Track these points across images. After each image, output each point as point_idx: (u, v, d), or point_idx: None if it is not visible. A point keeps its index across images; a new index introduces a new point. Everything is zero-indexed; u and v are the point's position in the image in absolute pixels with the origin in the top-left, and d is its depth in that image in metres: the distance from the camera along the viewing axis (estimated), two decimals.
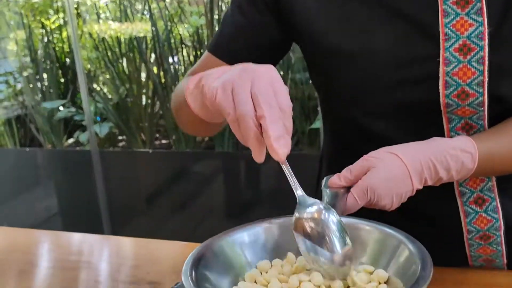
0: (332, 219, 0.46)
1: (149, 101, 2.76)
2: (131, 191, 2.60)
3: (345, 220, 0.50)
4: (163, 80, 2.72)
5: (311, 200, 0.47)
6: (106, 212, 2.56)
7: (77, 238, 1.04)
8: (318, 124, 2.28)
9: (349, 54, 0.66)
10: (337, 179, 0.58)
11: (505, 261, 0.72)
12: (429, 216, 0.72)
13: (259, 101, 0.46)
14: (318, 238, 0.45)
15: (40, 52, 2.96)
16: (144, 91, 2.75)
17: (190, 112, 0.58)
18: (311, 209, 0.46)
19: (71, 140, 2.98)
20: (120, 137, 2.96)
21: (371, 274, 0.46)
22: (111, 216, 2.57)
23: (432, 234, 0.72)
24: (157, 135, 2.90)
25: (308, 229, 0.46)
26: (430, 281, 0.38)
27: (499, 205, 0.68)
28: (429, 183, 0.59)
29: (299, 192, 0.48)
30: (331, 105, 0.76)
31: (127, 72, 2.76)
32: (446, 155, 0.58)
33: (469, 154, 0.59)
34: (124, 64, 2.78)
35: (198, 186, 2.47)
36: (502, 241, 0.70)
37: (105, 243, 1.04)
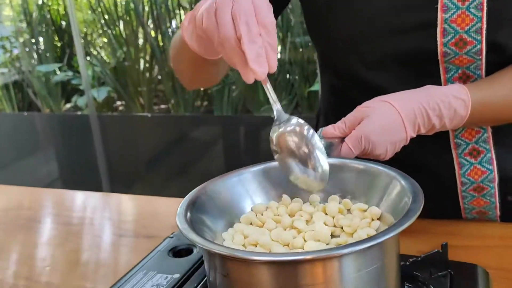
0: (310, 131, 0.46)
1: (147, 65, 2.73)
2: (131, 156, 2.61)
3: (338, 160, 0.50)
4: (161, 44, 2.68)
5: (288, 115, 0.47)
6: (106, 177, 2.57)
7: (78, 196, 1.05)
8: (317, 86, 2.27)
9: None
10: (331, 129, 0.58)
11: (498, 213, 0.72)
12: (424, 168, 0.72)
13: (238, 21, 0.46)
14: (300, 152, 0.46)
15: (35, 15, 2.90)
16: (141, 55, 2.72)
17: (188, 52, 0.58)
18: (292, 122, 0.46)
19: (69, 105, 2.96)
20: (118, 102, 2.94)
21: (365, 212, 0.46)
22: (111, 181, 2.58)
23: (426, 186, 0.72)
24: (156, 100, 2.88)
25: (291, 143, 0.46)
26: (419, 212, 0.37)
27: (494, 157, 0.68)
28: (422, 131, 0.58)
29: (277, 106, 0.47)
30: (329, 58, 0.75)
31: (124, 35, 2.72)
32: (439, 102, 0.57)
33: (462, 101, 0.58)
34: (121, 27, 2.73)
35: (198, 150, 2.47)
36: (496, 193, 0.70)
37: (105, 200, 1.05)
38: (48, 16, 2.91)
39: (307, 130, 0.46)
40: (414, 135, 0.58)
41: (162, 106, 2.87)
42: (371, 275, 0.37)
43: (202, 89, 2.71)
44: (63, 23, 2.97)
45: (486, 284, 0.51)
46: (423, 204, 0.39)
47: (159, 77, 2.78)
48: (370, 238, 0.35)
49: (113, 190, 2.54)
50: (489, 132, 0.67)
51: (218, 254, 0.38)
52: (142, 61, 2.73)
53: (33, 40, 2.92)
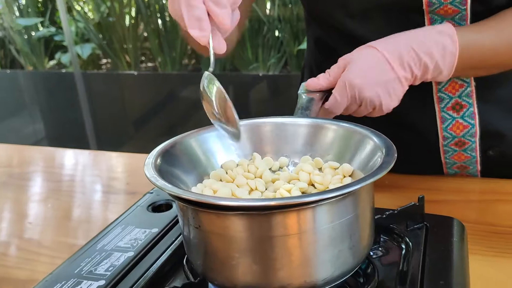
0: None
1: (133, 21, 2.66)
2: (118, 114, 2.58)
3: (310, 120, 0.49)
4: None
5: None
6: (93, 136, 2.55)
7: (67, 154, 1.04)
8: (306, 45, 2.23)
9: None
10: (315, 80, 0.56)
11: (479, 167, 0.73)
12: (406, 123, 0.72)
13: None
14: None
15: None
16: (126, 10, 2.64)
17: None
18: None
19: (53, 62, 2.89)
20: (104, 60, 2.88)
21: (336, 170, 0.45)
22: (98, 140, 2.56)
23: (408, 141, 0.72)
24: (142, 58, 2.82)
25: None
26: (392, 164, 0.37)
27: (476, 111, 0.68)
28: (416, 71, 0.56)
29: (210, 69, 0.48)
30: (314, 9, 0.73)
31: None
32: (425, 40, 0.56)
33: (448, 36, 0.56)
34: None
35: (186, 108, 2.45)
36: (477, 147, 0.70)
37: (93, 158, 1.04)
38: None
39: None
40: (408, 75, 0.56)
41: (149, 64, 2.81)
42: (344, 226, 0.37)
43: (189, 47, 2.66)
44: None
45: (461, 236, 0.51)
46: (396, 157, 0.38)
47: (145, 34, 2.71)
48: (344, 186, 0.34)
49: (101, 149, 2.52)
50: (472, 86, 0.66)
51: (188, 202, 0.37)
52: (127, 17, 2.65)
53: None
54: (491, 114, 0.68)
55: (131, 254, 0.51)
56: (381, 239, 0.51)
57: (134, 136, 2.60)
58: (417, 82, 0.58)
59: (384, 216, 0.50)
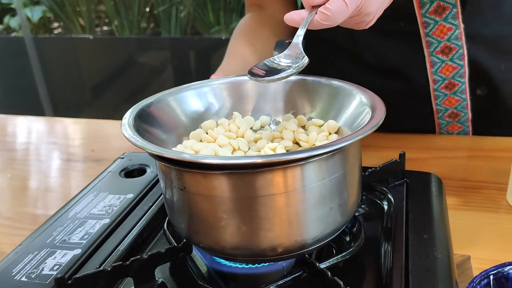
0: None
1: None
2: (74, 81, 2.46)
3: (294, 77, 0.47)
4: None
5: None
6: (48, 103, 2.43)
7: (21, 121, 0.98)
8: None
9: None
10: (296, 14, 0.52)
11: (470, 115, 0.74)
12: (396, 71, 0.72)
13: None
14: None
15: None
16: None
17: None
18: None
19: (1, 26, 2.71)
20: (56, 24, 2.72)
21: (321, 127, 0.44)
22: (54, 107, 2.45)
23: (400, 90, 0.73)
24: (97, 22, 2.69)
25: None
26: (383, 118, 0.36)
27: (465, 52, 0.69)
28: None
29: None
30: None
31: None
32: None
33: None
34: None
35: (145, 74, 2.37)
36: (466, 89, 0.71)
37: (49, 125, 0.98)
38: None
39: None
40: None
41: (105, 28, 2.69)
42: (335, 183, 0.36)
43: (148, 9, 2.55)
44: None
45: (440, 190, 0.52)
46: (385, 112, 0.37)
47: None
48: (335, 142, 0.33)
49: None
50: (461, 28, 0.67)
51: (172, 163, 0.35)
52: None
53: None
54: (479, 54, 0.70)
55: (106, 221, 0.49)
56: (364, 197, 0.50)
57: (93, 104, 2.50)
58: None
59: (367, 173, 0.49)
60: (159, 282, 0.41)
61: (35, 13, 2.47)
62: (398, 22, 0.69)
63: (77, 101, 2.50)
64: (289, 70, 0.39)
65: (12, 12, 2.57)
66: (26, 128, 0.96)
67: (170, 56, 2.39)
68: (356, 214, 0.47)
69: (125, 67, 2.39)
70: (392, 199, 0.49)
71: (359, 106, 0.41)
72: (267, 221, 0.35)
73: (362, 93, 0.42)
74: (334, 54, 0.79)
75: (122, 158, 0.62)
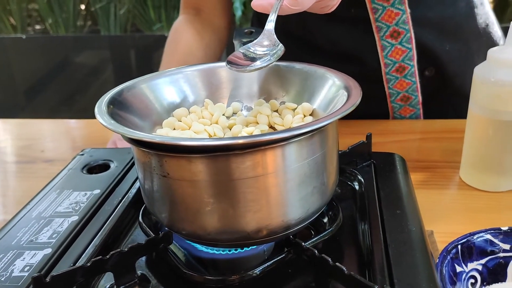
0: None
1: None
2: (6, 84, 2.32)
3: (264, 63, 0.46)
4: None
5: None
6: None
7: None
8: None
9: None
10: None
11: (420, 97, 0.77)
12: (350, 56, 0.75)
13: None
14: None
15: None
16: None
17: None
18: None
19: None
20: None
21: (295, 110, 0.44)
22: None
23: (354, 74, 0.74)
24: (29, 21, 2.55)
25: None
26: (359, 101, 0.37)
27: (412, 36, 0.72)
28: None
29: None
30: None
31: None
32: None
33: None
34: None
35: (84, 74, 2.28)
36: (416, 72, 0.75)
37: None
38: None
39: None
40: None
41: (37, 27, 2.55)
42: (318, 163, 0.37)
43: (83, 7, 2.45)
44: None
45: (405, 169, 0.54)
46: (361, 92, 0.38)
47: None
48: (317, 121, 0.33)
49: None
50: (407, 13, 0.71)
51: (155, 148, 0.34)
52: None
53: None
54: (425, 37, 0.74)
55: (75, 218, 0.46)
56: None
57: (27, 107, 2.37)
58: None
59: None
60: (139, 274, 0.40)
61: None
62: (349, 9, 0.72)
63: (10, 105, 2.35)
64: (266, 58, 0.40)
65: None
66: None
67: (110, 55, 2.31)
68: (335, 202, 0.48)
69: (62, 67, 2.29)
70: (362, 180, 0.50)
71: (334, 89, 0.42)
72: (254, 203, 0.35)
73: (336, 75, 0.43)
74: (286, 40, 0.80)
75: (82, 154, 0.60)
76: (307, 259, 0.37)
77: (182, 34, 0.82)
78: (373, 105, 0.78)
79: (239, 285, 0.37)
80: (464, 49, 0.78)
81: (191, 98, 0.47)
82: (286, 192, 0.36)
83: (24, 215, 0.48)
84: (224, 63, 0.47)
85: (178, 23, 0.85)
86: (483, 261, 0.47)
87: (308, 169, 0.36)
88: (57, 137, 0.87)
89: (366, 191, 0.49)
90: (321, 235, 0.40)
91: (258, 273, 0.37)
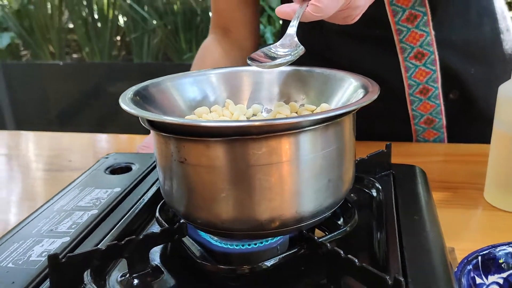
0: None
1: (55, 9, 2.50)
2: (42, 108, 2.41)
3: (287, 68, 0.48)
4: None
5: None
6: (14, 129, 2.37)
7: None
8: None
9: None
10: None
11: (444, 121, 0.77)
12: (373, 76, 0.73)
13: None
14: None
15: None
16: None
17: None
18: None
19: None
20: (25, 52, 2.69)
21: (313, 112, 0.45)
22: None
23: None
24: (68, 50, 2.67)
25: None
26: (377, 95, 0.37)
27: (437, 58, 0.72)
28: None
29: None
30: None
31: None
32: None
33: None
34: None
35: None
36: (440, 94, 0.75)
37: (20, 138, 0.96)
38: None
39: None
40: None
41: (75, 56, 2.67)
42: (334, 155, 0.37)
43: (119, 37, 2.56)
44: None
45: (425, 180, 0.53)
46: (379, 88, 0.39)
47: (71, 25, 2.57)
48: (336, 109, 0.34)
49: None
50: (432, 35, 0.71)
51: (175, 132, 0.35)
52: (49, 5, 2.50)
53: None
54: (450, 59, 0.74)
55: (95, 212, 0.47)
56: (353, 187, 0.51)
57: (60, 128, 2.45)
58: None
59: (356, 161, 0.50)
60: (153, 265, 0.40)
61: (3, 39, 2.44)
62: (373, 29, 0.73)
63: (45, 126, 2.44)
64: (288, 57, 0.41)
65: None
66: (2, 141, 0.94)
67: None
68: (351, 204, 0.48)
69: (95, 93, 2.37)
70: (380, 187, 0.50)
71: (351, 89, 0.43)
72: (268, 191, 0.35)
73: (353, 77, 0.43)
74: (309, 59, 0.82)
75: (107, 158, 0.61)
76: (319, 252, 0.37)
77: (210, 51, 0.84)
78: (396, 127, 0.78)
79: (249, 276, 0.37)
80: (490, 73, 0.77)
81: (213, 98, 0.48)
82: (300, 182, 0.36)
83: (47, 208, 0.49)
84: (245, 67, 0.49)
85: (207, 41, 0.87)
86: (504, 274, 0.45)
87: (324, 161, 0.36)
88: (84, 148, 0.90)
89: (384, 198, 0.48)
90: (335, 233, 0.40)
91: (269, 265, 0.37)
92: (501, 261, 0.45)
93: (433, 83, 0.74)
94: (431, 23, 0.71)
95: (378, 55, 0.74)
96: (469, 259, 0.44)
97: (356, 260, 0.33)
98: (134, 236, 0.38)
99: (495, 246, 0.46)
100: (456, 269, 0.42)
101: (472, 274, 0.44)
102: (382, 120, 0.76)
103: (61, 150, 0.88)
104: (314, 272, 0.38)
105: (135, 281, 0.39)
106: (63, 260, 0.36)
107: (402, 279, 0.30)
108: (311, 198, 0.37)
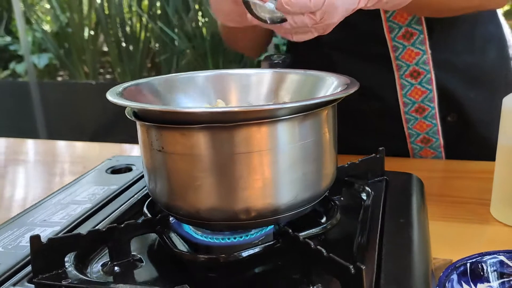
0: None
1: (92, 32, 2.62)
2: (75, 125, 2.50)
3: (273, 70, 0.49)
4: (107, 12, 2.58)
5: None
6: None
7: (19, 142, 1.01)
8: None
9: None
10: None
11: (442, 141, 0.75)
12: (369, 92, 0.74)
13: None
14: None
15: None
16: (86, 22, 2.61)
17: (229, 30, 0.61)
18: None
19: (7, 72, 2.80)
20: (62, 72, 2.81)
21: None
22: None
23: (373, 111, 0.74)
24: (101, 70, 2.78)
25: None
26: (355, 90, 0.38)
27: (433, 77, 0.71)
28: (369, 4, 0.55)
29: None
30: None
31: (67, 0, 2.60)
32: None
33: None
34: None
35: None
36: (436, 114, 0.73)
37: (39, 146, 1.00)
38: None
39: None
40: (362, 6, 0.53)
41: (108, 76, 2.77)
42: (309, 148, 0.37)
43: (149, 59, 2.64)
44: None
45: (420, 189, 0.52)
46: (359, 85, 0.39)
47: (106, 48, 2.68)
48: (308, 99, 0.35)
49: None
50: (428, 54, 0.70)
51: (151, 120, 0.36)
52: (86, 29, 2.62)
53: None
54: (448, 81, 0.72)
55: (88, 205, 0.49)
56: (343, 190, 0.51)
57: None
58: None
59: (346, 165, 0.51)
60: (135, 255, 0.41)
61: (42, 60, 2.56)
62: (371, 45, 0.73)
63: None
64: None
65: (19, 59, 2.67)
66: (21, 148, 0.98)
67: None
68: (336, 201, 0.48)
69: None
70: (371, 192, 0.50)
71: (333, 87, 0.43)
72: (242, 180, 0.36)
73: (335, 76, 0.44)
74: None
75: (110, 159, 0.64)
76: (293, 245, 0.37)
77: None
78: (392, 145, 0.74)
79: (224, 265, 0.37)
80: (492, 98, 0.72)
81: (202, 98, 0.50)
82: (274, 172, 0.36)
83: (46, 201, 0.51)
84: (232, 70, 0.51)
85: None
86: (494, 284, 0.44)
87: (298, 152, 0.37)
88: (100, 156, 0.93)
89: (373, 201, 0.48)
90: (314, 229, 0.40)
91: (244, 256, 0.37)
92: (491, 269, 0.44)
93: (429, 102, 0.72)
94: (427, 42, 0.70)
95: (375, 72, 0.73)
96: (456, 265, 0.43)
97: (324, 251, 0.33)
98: (115, 224, 0.39)
99: (485, 254, 0.44)
100: (441, 274, 0.41)
101: (459, 281, 0.43)
102: (378, 136, 0.74)
103: (78, 157, 0.92)
104: (290, 266, 0.38)
105: (116, 268, 0.40)
106: (44, 242, 0.37)
107: (363, 267, 0.30)
108: (285, 189, 0.37)
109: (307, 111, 0.36)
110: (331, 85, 0.43)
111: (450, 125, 0.74)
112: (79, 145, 1.00)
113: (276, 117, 0.35)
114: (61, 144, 1.01)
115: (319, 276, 0.35)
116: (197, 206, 0.37)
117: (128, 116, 0.39)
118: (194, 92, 0.49)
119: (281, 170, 0.36)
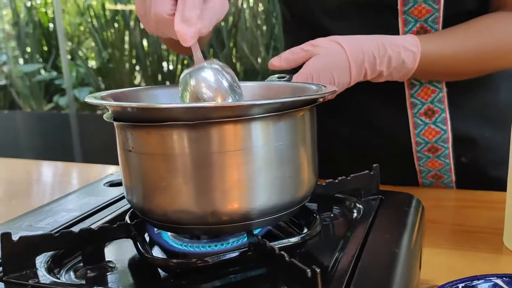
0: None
1: (129, 66, 2.74)
2: (111, 157, 2.57)
3: (262, 83, 0.49)
4: (146, 49, 2.70)
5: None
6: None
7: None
8: None
9: None
10: (277, 60, 0.57)
11: (454, 178, 0.72)
12: (380, 129, 0.72)
13: None
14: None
15: (22, 16, 2.92)
16: (127, 58, 2.73)
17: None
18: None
19: (51, 105, 2.95)
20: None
21: None
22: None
23: (383, 148, 0.72)
24: None
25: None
26: (331, 92, 0.37)
27: (448, 117, 0.68)
28: (369, 77, 0.58)
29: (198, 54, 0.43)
30: (294, 9, 0.74)
31: (111, 38, 2.74)
32: (389, 51, 0.57)
33: (412, 53, 0.58)
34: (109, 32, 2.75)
35: None
36: (450, 154, 0.70)
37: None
38: (36, 18, 2.93)
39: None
40: (360, 79, 0.58)
41: None
42: (281, 151, 0.36)
43: None
44: (51, 25, 2.99)
45: (417, 210, 0.49)
46: (336, 90, 0.39)
47: (143, 83, 2.78)
48: (283, 97, 0.34)
49: None
50: (444, 92, 0.68)
51: (124, 119, 0.36)
52: (127, 64, 2.74)
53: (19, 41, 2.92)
54: (463, 121, 0.69)
55: (76, 213, 0.50)
56: (334, 208, 0.49)
57: None
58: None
59: (337, 181, 0.49)
60: (109, 260, 0.40)
61: (83, 93, 2.68)
62: (384, 82, 0.71)
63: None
64: None
65: (62, 92, 2.81)
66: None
67: None
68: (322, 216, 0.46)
69: None
70: (362, 209, 0.48)
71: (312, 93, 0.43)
72: (209, 181, 0.35)
73: (314, 85, 0.44)
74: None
75: (112, 174, 0.64)
76: (261, 252, 0.35)
77: None
78: (401, 178, 0.72)
79: (195, 269, 0.36)
80: (506, 138, 0.71)
81: None
82: (242, 173, 0.35)
83: (40, 209, 0.52)
84: None
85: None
86: None
87: (270, 154, 0.36)
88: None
89: (362, 217, 0.46)
90: (291, 238, 0.38)
91: (216, 261, 0.36)
92: None
93: (442, 143, 0.69)
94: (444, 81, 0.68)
95: (388, 109, 0.70)
96: (445, 287, 0.40)
97: (287, 256, 0.32)
98: (89, 227, 0.39)
99: (480, 277, 0.41)
100: None
101: None
102: (387, 168, 0.71)
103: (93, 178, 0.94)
104: (260, 270, 0.37)
105: (89, 272, 0.39)
106: (15, 240, 0.37)
107: (318, 270, 0.28)
108: (254, 193, 0.36)
109: (282, 110, 0.35)
110: (311, 91, 0.43)
111: (463, 164, 0.71)
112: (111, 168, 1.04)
113: (248, 116, 0.34)
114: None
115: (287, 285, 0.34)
116: (164, 208, 0.37)
117: (107, 120, 0.40)
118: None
119: (251, 172, 0.36)
